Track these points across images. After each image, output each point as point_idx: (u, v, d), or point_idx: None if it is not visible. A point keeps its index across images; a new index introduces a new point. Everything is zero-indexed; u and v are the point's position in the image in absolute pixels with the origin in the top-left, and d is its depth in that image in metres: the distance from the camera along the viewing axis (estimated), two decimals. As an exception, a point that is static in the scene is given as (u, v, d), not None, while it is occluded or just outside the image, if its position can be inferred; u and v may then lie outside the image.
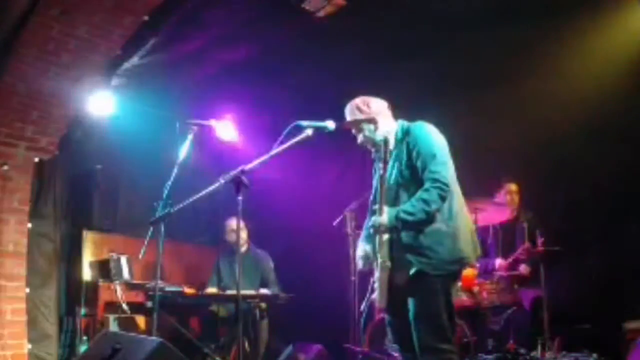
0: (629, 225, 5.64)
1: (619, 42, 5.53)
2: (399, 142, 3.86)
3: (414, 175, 3.74)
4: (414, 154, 3.75)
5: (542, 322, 5.25)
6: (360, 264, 4.01)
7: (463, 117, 6.45)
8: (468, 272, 5.54)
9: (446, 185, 3.65)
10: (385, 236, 3.70)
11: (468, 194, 5.89)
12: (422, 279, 3.63)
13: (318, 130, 3.87)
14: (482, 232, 6.07)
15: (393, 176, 3.82)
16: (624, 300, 5.26)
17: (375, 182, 3.97)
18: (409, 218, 3.62)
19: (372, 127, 3.92)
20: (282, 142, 3.81)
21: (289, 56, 6.39)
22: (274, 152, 3.82)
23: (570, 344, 5.26)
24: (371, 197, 4.02)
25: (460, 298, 5.49)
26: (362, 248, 3.99)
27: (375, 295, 3.79)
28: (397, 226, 3.65)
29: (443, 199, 3.65)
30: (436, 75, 6.39)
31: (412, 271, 3.65)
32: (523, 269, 5.84)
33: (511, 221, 6.08)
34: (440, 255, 3.63)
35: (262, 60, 6.43)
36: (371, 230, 3.74)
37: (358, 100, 3.98)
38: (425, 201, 3.62)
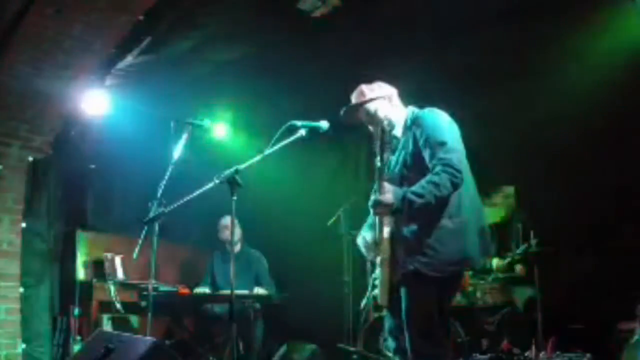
0: (623, 226, 5.66)
1: (616, 43, 5.54)
2: (407, 129, 3.67)
3: (420, 165, 3.50)
4: (422, 141, 3.52)
5: (536, 322, 5.25)
6: (364, 252, 3.79)
7: (459, 116, 6.46)
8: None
9: (458, 171, 3.37)
10: (387, 229, 3.51)
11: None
12: (417, 279, 3.43)
13: (312, 130, 3.88)
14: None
15: (398, 165, 3.63)
16: (618, 300, 5.27)
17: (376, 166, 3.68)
18: (418, 200, 3.33)
19: (387, 104, 3.77)
20: (276, 142, 3.82)
21: (285, 55, 6.39)
22: (268, 151, 3.82)
23: (564, 344, 5.27)
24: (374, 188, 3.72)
25: (455, 298, 5.49)
26: (363, 236, 3.78)
27: (376, 292, 3.63)
28: (401, 208, 3.37)
29: (455, 186, 3.37)
30: (432, 76, 6.39)
31: (407, 270, 3.45)
32: (519, 269, 5.85)
33: (506, 222, 6.09)
34: (442, 255, 3.42)
35: (256, 59, 6.43)
36: (371, 210, 3.50)
37: (365, 85, 3.83)
38: (436, 184, 3.34)
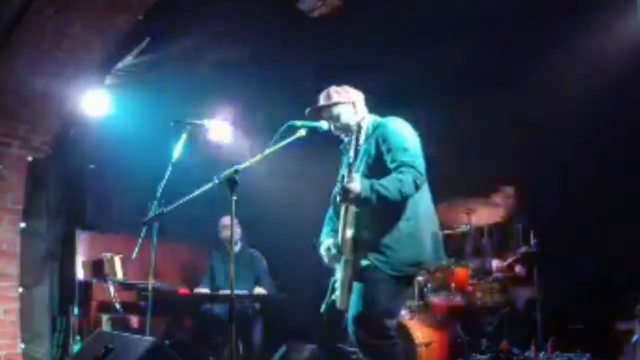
0: (623, 226, 5.65)
1: (615, 43, 5.54)
2: (369, 136, 3.77)
3: (382, 170, 3.59)
4: (384, 148, 3.64)
5: (536, 322, 5.25)
6: (325, 259, 3.89)
7: (458, 117, 6.47)
8: (462, 272, 5.55)
9: (421, 174, 3.53)
10: (350, 231, 3.61)
11: (462, 194, 5.91)
12: (373, 276, 3.54)
13: (312, 130, 3.87)
14: (476, 232, 6.08)
15: (360, 170, 3.71)
16: (617, 300, 5.27)
17: (342, 171, 3.90)
18: (384, 192, 3.43)
19: (351, 110, 3.87)
20: (275, 142, 3.81)
21: (284, 56, 6.39)
22: (267, 151, 3.81)
23: (563, 344, 5.27)
24: (335, 190, 3.92)
25: (454, 298, 5.49)
26: (326, 243, 3.89)
27: (336, 296, 3.75)
28: (371, 198, 3.45)
29: (417, 187, 3.50)
30: (432, 76, 6.39)
31: (364, 264, 3.56)
32: (519, 270, 5.84)
33: (506, 222, 6.08)
34: (399, 255, 3.54)
35: (256, 59, 6.43)
36: (338, 198, 3.60)
37: (335, 87, 3.93)
38: (400, 181, 3.46)
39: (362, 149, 3.78)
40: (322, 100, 3.93)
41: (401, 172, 3.50)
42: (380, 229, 3.58)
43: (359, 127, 3.80)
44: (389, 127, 3.73)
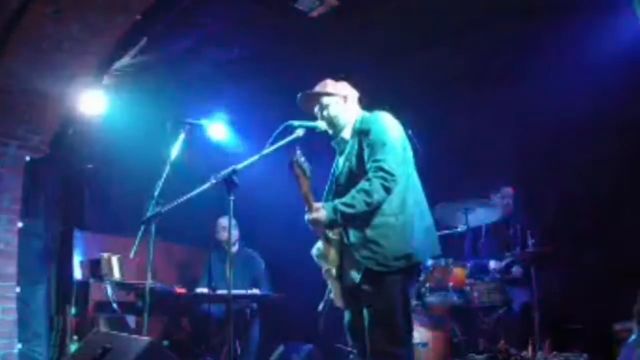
0: (621, 226, 5.66)
1: (614, 43, 5.54)
2: (355, 132, 3.78)
3: (365, 166, 3.59)
4: (365, 142, 3.63)
5: (533, 322, 5.26)
6: (317, 261, 3.91)
7: (457, 117, 6.47)
8: (459, 271, 5.56)
9: (390, 174, 3.46)
10: (335, 238, 3.65)
11: (462, 194, 5.92)
12: (370, 278, 3.49)
13: (309, 130, 3.87)
14: (474, 232, 6.09)
15: (346, 168, 3.73)
16: (615, 300, 5.28)
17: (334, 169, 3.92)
18: (349, 210, 3.45)
19: (342, 103, 3.86)
20: (273, 142, 3.82)
21: (282, 56, 6.39)
22: (265, 151, 3.82)
23: (561, 344, 5.27)
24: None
25: (451, 298, 5.49)
26: (317, 247, 3.91)
27: (332, 296, 3.78)
28: (337, 220, 3.49)
29: (387, 189, 3.47)
30: (432, 76, 6.39)
31: (360, 273, 3.52)
32: (516, 270, 5.85)
33: (504, 222, 6.09)
34: (385, 249, 3.47)
35: (254, 59, 6.43)
36: (311, 228, 3.65)
37: (331, 80, 3.95)
38: (366, 192, 3.45)
39: (347, 146, 3.79)
40: (316, 88, 3.95)
41: (368, 179, 3.49)
42: (367, 227, 3.52)
43: (346, 123, 3.83)
44: (372, 121, 3.72)
